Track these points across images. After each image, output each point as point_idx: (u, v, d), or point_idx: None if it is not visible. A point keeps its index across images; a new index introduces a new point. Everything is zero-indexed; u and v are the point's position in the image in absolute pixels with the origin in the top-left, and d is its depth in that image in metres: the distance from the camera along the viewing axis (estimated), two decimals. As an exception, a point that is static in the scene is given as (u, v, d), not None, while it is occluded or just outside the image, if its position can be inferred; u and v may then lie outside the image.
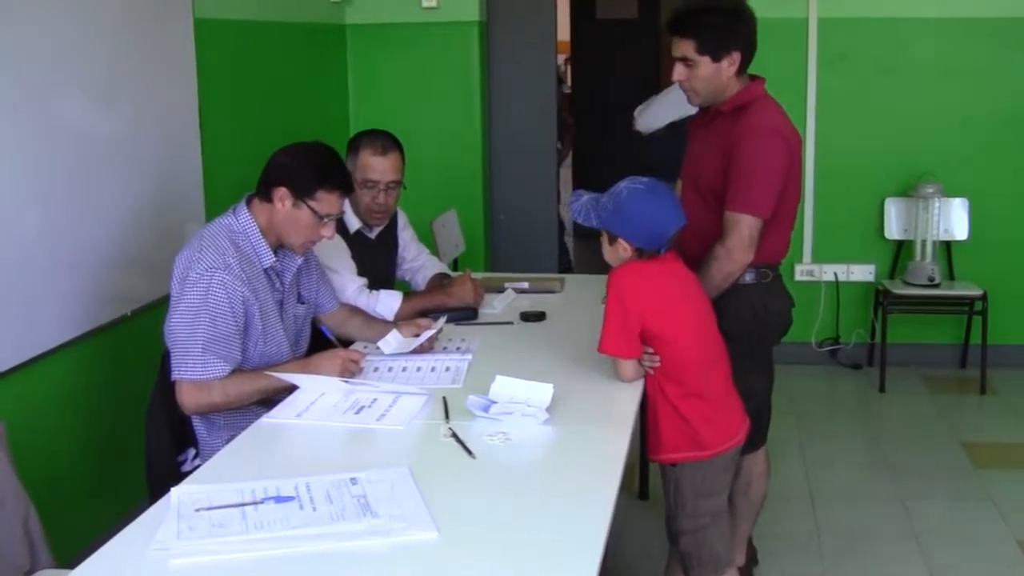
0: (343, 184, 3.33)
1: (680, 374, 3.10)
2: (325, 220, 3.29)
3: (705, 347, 3.17)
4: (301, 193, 3.25)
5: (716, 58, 3.47)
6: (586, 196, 3.20)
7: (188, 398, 3.17)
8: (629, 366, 3.12)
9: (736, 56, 3.48)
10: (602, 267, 3.33)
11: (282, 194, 3.26)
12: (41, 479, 3.41)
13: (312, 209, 3.26)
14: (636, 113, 6.35)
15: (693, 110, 5.60)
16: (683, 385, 3.10)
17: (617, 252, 3.12)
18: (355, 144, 4.03)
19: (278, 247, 3.36)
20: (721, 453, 3.19)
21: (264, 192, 3.31)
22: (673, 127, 6.05)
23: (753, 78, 3.59)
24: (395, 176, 4.02)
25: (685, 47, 3.49)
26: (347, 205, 3.84)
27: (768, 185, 3.43)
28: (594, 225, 3.14)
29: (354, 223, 4.05)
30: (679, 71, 3.54)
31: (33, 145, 3.62)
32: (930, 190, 6.21)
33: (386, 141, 4.02)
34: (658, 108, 6.19)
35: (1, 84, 3.46)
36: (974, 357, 6.38)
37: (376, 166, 3.97)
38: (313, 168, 3.28)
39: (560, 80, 8.84)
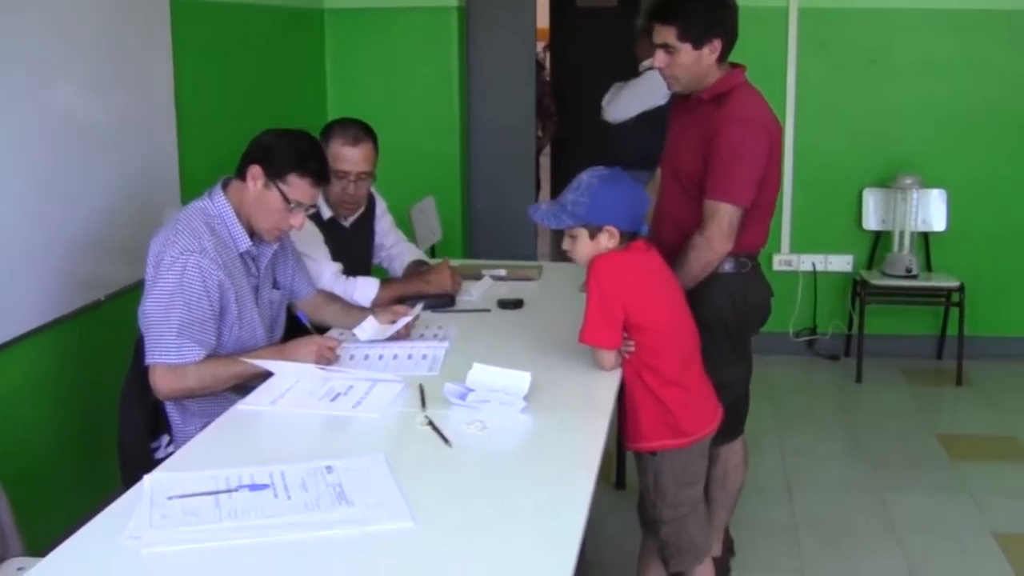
0: (317, 173, 3.28)
1: (659, 363, 3.09)
2: (293, 207, 3.25)
3: (683, 336, 3.18)
4: (273, 174, 3.22)
5: (697, 45, 3.46)
6: (544, 205, 3.18)
7: (162, 383, 3.13)
8: (610, 355, 3.10)
9: (717, 44, 3.47)
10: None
11: (255, 172, 3.23)
12: (12, 466, 3.38)
13: (282, 192, 3.22)
14: (604, 103, 6.34)
15: (662, 100, 5.64)
16: (662, 374, 3.09)
17: (599, 244, 3.07)
18: (327, 133, 3.97)
19: (254, 232, 3.33)
20: (698, 440, 3.20)
21: (240, 169, 3.28)
22: (643, 118, 6.05)
23: (734, 66, 3.57)
24: (365, 167, 3.97)
25: (666, 33, 3.47)
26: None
27: (748, 174, 3.42)
28: (570, 225, 3.10)
29: (327, 211, 4.01)
30: (660, 58, 3.52)
31: (8, 127, 3.58)
32: (908, 181, 6.21)
33: (358, 131, 3.97)
34: (626, 98, 6.18)
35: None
36: (951, 348, 6.40)
37: (347, 156, 3.92)
38: (291, 151, 3.25)
39: (540, 67, 8.82)
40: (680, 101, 3.71)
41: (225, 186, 3.31)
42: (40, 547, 2.90)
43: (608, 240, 3.07)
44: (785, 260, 6.59)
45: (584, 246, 3.11)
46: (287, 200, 3.23)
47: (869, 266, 6.53)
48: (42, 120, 3.76)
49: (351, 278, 3.92)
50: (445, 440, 2.66)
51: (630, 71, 6.44)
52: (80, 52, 3.98)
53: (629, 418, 3.19)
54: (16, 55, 3.61)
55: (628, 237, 3.09)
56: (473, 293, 4.11)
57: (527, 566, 2.09)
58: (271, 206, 3.24)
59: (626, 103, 6.15)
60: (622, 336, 3.08)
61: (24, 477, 3.60)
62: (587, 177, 3.08)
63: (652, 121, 5.67)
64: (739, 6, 3.54)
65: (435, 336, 3.58)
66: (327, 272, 3.87)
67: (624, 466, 4.68)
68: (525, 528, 2.23)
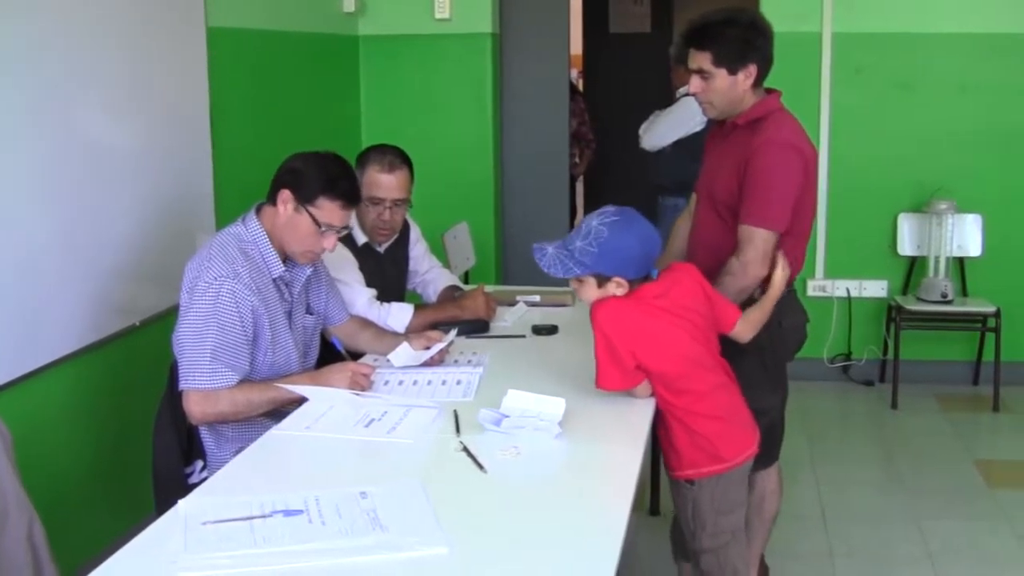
0: (347, 195, 3.28)
1: (685, 402, 3.06)
2: (324, 230, 3.26)
3: (709, 374, 3.10)
4: (303, 198, 3.23)
5: (732, 70, 3.44)
6: (550, 248, 3.05)
7: (195, 407, 3.14)
8: (638, 387, 3.07)
9: (752, 69, 3.45)
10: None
11: (285, 197, 3.24)
12: (46, 490, 3.39)
13: (312, 216, 3.23)
14: (641, 131, 6.33)
15: (699, 127, 5.64)
16: (690, 409, 3.06)
17: (607, 291, 3.00)
18: (363, 159, 3.98)
19: (288, 257, 3.34)
20: (737, 465, 3.15)
21: (272, 194, 3.29)
22: (679, 144, 6.04)
23: (769, 91, 3.56)
24: (401, 194, 3.98)
25: (701, 59, 3.46)
26: (353, 219, 3.81)
27: (783, 199, 3.40)
28: (579, 275, 3.01)
29: (361, 237, 4.02)
30: (695, 83, 3.51)
31: (44, 153, 3.61)
32: (943, 206, 6.17)
33: (394, 158, 3.98)
34: (663, 126, 6.18)
35: (14, 92, 3.46)
36: (987, 374, 6.35)
37: (382, 183, 3.93)
38: (319, 174, 3.25)
39: (577, 93, 8.83)
40: (716, 127, 3.71)
41: (259, 211, 3.32)
42: (72, 570, 2.92)
43: (616, 288, 2.99)
44: (819, 285, 6.55)
45: (591, 291, 3.03)
46: (318, 223, 3.23)
47: (904, 291, 6.49)
48: (76, 145, 3.79)
49: (385, 304, 3.92)
50: (480, 466, 2.65)
51: (664, 96, 6.45)
52: (117, 77, 4.02)
53: (665, 447, 3.17)
54: (50, 81, 3.65)
55: (638, 281, 3.03)
56: (507, 319, 4.10)
57: (562, 593, 2.08)
58: (302, 230, 3.25)
59: (663, 131, 6.14)
60: (639, 372, 3.04)
61: (58, 502, 3.62)
62: (596, 223, 2.97)
63: (689, 147, 5.67)
64: (774, 32, 3.52)
65: (469, 362, 3.57)
66: (361, 298, 3.87)
67: (658, 492, 4.65)
68: (560, 555, 2.22)
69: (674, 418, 3.08)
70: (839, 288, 6.56)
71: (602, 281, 3.00)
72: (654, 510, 4.70)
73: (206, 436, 3.29)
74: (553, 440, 2.82)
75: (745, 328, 3.27)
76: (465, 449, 2.75)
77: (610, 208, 3.01)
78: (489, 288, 4.33)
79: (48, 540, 2.84)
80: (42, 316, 3.63)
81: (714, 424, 3.10)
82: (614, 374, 3.03)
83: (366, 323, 3.79)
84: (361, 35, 6.70)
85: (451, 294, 4.25)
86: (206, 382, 3.11)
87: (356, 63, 6.72)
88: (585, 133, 8.67)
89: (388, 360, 3.48)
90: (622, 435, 2.91)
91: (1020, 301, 6.36)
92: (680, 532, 3.35)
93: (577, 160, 8.57)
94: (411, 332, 3.78)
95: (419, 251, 4.35)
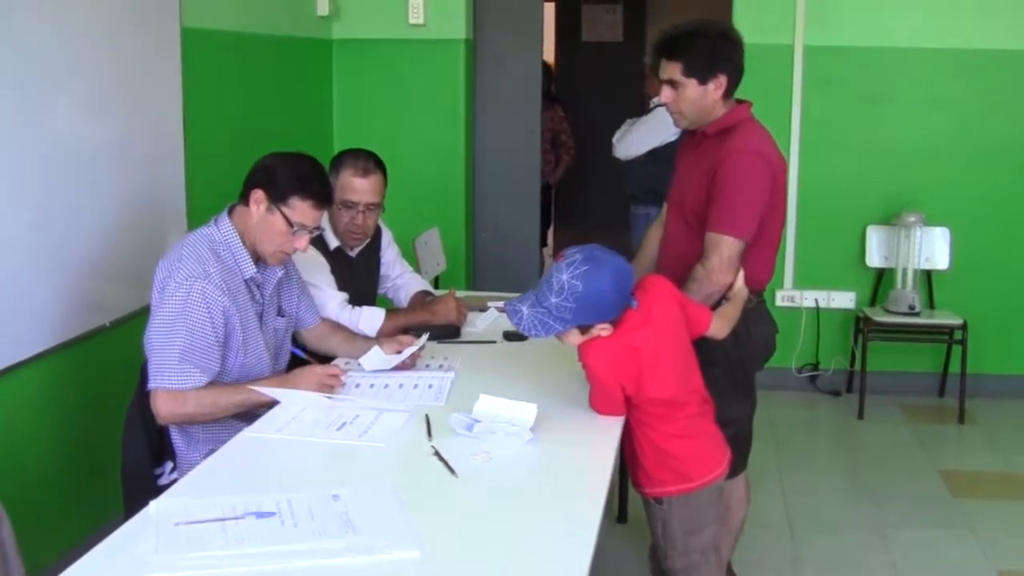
0: (319, 195, 3.28)
1: (663, 426, 3.04)
2: (296, 230, 3.26)
3: (687, 400, 3.08)
4: (275, 198, 3.23)
5: (702, 81, 3.47)
6: (524, 308, 2.93)
7: (163, 407, 3.13)
8: None
9: (723, 79, 3.48)
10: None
11: (258, 197, 3.24)
12: (15, 489, 3.38)
13: (284, 216, 3.23)
14: (615, 140, 6.36)
15: (672, 136, 5.66)
16: (665, 432, 3.04)
17: (591, 335, 2.95)
18: (337, 163, 3.98)
19: (259, 258, 3.34)
20: (706, 485, 3.12)
21: (244, 194, 3.29)
22: (652, 153, 6.07)
23: (740, 102, 3.58)
24: (374, 198, 3.97)
25: (672, 69, 3.49)
26: (325, 223, 3.80)
27: (750, 207, 3.42)
28: (561, 331, 2.94)
29: (333, 241, 4.02)
30: (666, 93, 3.54)
31: (15, 151, 3.59)
32: (912, 219, 6.22)
33: (368, 162, 3.97)
34: (638, 135, 6.21)
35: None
36: (953, 386, 6.39)
37: (356, 187, 3.93)
38: (292, 174, 3.25)
39: (557, 100, 8.84)
40: (688, 137, 3.73)
41: (231, 212, 3.32)
42: (41, 570, 2.91)
43: (601, 331, 2.94)
44: (788, 296, 6.59)
45: (575, 338, 2.98)
46: (290, 223, 3.24)
47: (872, 303, 6.53)
48: (48, 144, 3.77)
49: (356, 308, 3.92)
50: (451, 470, 2.66)
51: (635, 104, 6.47)
52: (90, 76, 4.00)
53: (632, 463, 3.16)
54: (23, 79, 3.63)
55: (619, 316, 2.96)
56: (478, 324, 4.11)
57: (533, 597, 2.10)
58: (274, 229, 3.25)
59: (636, 140, 6.17)
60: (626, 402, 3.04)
61: (26, 502, 3.60)
62: (567, 277, 2.84)
63: (662, 157, 5.70)
64: (745, 43, 3.55)
65: (440, 366, 3.58)
66: (332, 302, 3.87)
67: (626, 499, 4.66)
68: (530, 560, 2.23)
69: (643, 435, 3.07)
70: (807, 299, 6.61)
71: (585, 329, 2.95)
72: (622, 517, 4.72)
73: (176, 437, 3.28)
74: (524, 445, 2.83)
75: (721, 325, 3.27)
76: (437, 453, 2.76)
77: (576, 255, 2.89)
78: (460, 293, 4.34)
79: (16, 539, 2.83)
80: (11, 315, 3.61)
81: (683, 443, 3.08)
82: (607, 404, 3.04)
83: (337, 327, 3.79)
84: (335, 39, 6.69)
85: (422, 299, 4.25)
86: (175, 382, 3.11)
87: (329, 67, 6.71)
88: (565, 140, 8.69)
89: (359, 364, 3.48)
90: (593, 441, 2.92)
91: (986, 314, 6.42)
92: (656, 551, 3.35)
93: (553, 165, 8.60)
94: (382, 336, 3.78)
95: (391, 256, 4.35)
